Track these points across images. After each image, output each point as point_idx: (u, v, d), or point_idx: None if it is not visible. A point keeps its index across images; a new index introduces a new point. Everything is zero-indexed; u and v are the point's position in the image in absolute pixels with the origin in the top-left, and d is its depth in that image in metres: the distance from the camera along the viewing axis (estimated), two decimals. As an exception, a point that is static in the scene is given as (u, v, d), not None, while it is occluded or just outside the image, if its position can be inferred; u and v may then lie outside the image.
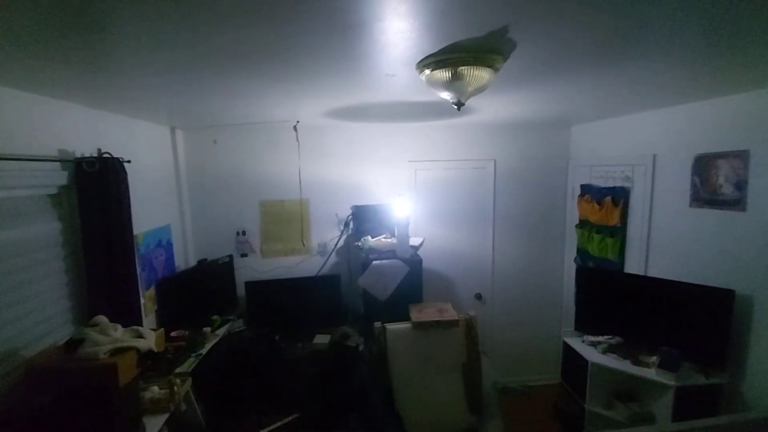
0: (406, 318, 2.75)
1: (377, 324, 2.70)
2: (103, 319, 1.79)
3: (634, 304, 2.61)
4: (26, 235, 1.73)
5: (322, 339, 3.01)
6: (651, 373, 2.35)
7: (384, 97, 2.08)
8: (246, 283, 3.21)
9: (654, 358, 2.39)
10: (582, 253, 3.41)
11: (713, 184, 2.27)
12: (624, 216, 2.96)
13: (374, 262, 2.96)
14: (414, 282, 2.99)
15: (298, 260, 3.46)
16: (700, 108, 2.36)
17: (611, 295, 2.75)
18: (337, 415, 2.68)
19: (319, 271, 3.45)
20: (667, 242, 2.64)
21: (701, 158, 2.34)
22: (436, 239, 3.59)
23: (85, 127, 2.08)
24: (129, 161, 2.21)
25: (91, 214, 1.96)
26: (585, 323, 2.87)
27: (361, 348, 2.88)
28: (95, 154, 2.03)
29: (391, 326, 2.68)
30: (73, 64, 1.34)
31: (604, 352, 2.61)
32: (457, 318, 2.73)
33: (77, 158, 1.94)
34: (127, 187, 2.15)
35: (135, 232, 2.27)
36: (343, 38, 1.17)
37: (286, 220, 3.42)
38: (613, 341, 2.66)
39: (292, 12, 0.98)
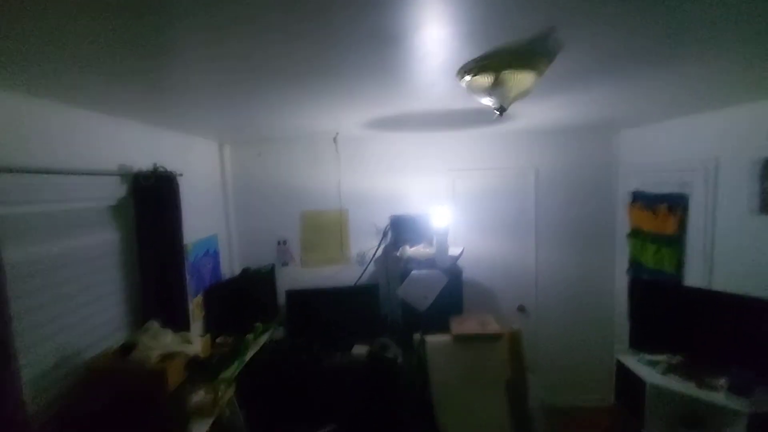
0: (445, 329, 2.68)
1: (416, 335, 2.65)
2: (154, 324, 1.88)
3: (697, 320, 2.39)
4: (89, 244, 1.86)
5: (360, 350, 2.99)
6: (719, 398, 2.12)
7: (423, 105, 2.07)
8: (287, 291, 3.27)
9: (722, 381, 2.17)
10: (635, 264, 3.19)
11: (788, 188, 2.06)
12: (682, 224, 2.74)
13: (413, 272, 2.93)
14: (454, 292, 2.92)
15: (337, 269, 3.49)
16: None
17: (671, 309, 2.53)
18: (374, 428, 2.65)
19: (358, 280, 3.46)
20: (734, 252, 2.41)
21: (772, 161, 2.13)
22: (476, 249, 3.49)
23: (142, 143, 2.22)
24: (181, 174, 2.33)
25: (146, 224, 2.08)
26: (641, 340, 2.65)
27: (399, 360, 2.83)
28: (151, 168, 2.16)
29: (431, 338, 2.62)
30: (136, 83, 1.44)
31: (664, 372, 2.39)
32: (500, 331, 2.62)
33: (135, 172, 2.07)
34: (179, 199, 2.26)
35: (185, 241, 2.38)
36: (385, 48, 1.17)
37: (325, 229, 3.47)
38: (673, 361, 2.44)
39: (335, 24, 0.99)
